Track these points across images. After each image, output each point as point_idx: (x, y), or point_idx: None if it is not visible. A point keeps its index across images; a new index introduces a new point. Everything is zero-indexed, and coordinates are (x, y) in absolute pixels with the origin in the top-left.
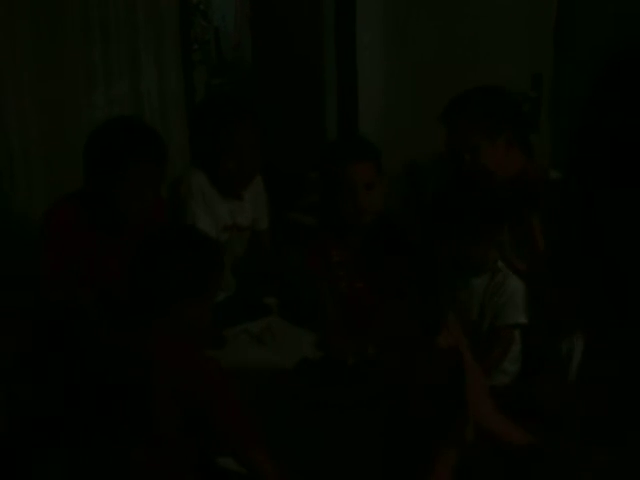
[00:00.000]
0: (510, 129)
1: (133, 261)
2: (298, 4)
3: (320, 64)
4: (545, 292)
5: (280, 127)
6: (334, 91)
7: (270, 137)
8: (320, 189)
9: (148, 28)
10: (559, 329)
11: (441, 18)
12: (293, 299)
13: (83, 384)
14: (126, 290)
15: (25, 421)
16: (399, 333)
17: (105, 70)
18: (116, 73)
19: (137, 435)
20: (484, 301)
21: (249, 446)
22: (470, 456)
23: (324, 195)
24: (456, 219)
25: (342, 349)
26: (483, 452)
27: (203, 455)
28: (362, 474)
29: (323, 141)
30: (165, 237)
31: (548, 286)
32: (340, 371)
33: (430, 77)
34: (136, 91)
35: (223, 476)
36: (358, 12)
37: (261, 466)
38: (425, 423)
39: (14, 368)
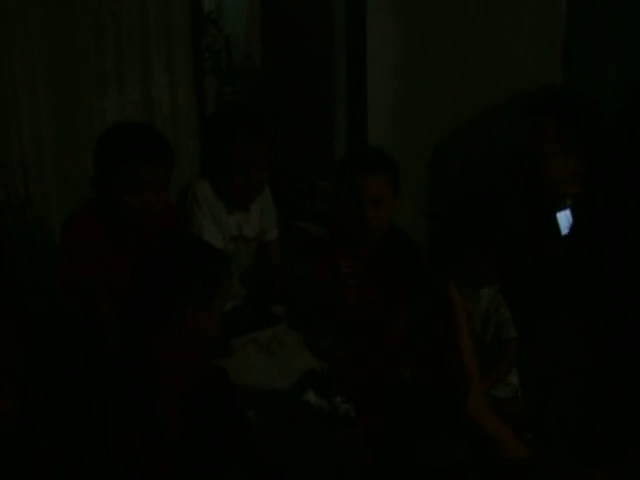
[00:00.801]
0: (584, 150)
1: (140, 268)
2: (309, 13)
3: (331, 73)
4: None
5: (290, 136)
6: (344, 101)
7: (279, 146)
8: (331, 200)
9: (159, 37)
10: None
11: (453, 31)
12: (301, 308)
13: (92, 389)
14: (134, 296)
15: (34, 420)
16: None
17: (117, 78)
18: (128, 81)
19: (144, 439)
20: (488, 314)
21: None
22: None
23: (334, 207)
24: (474, 233)
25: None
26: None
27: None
28: None
29: (333, 150)
30: (171, 245)
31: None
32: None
33: (441, 89)
34: (148, 99)
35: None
36: (369, 22)
37: None
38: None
39: (26, 371)
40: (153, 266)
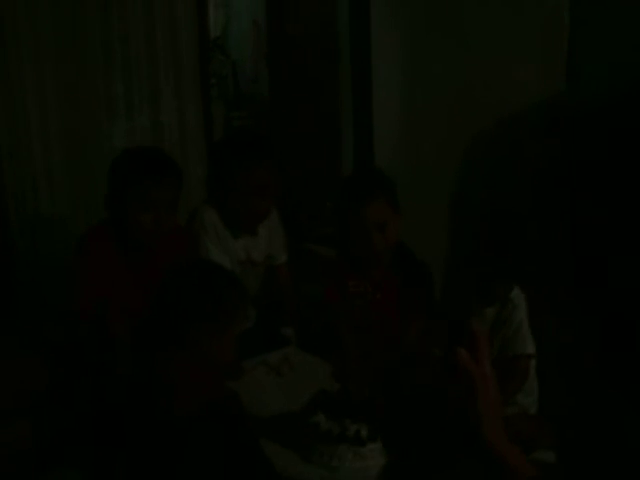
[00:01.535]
0: None
1: (156, 292)
2: (314, 38)
3: (336, 95)
4: None
5: (297, 158)
6: (350, 123)
7: (287, 168)
8: (336, 224)
9: (168, 62)
10: None
11: (457, 50)
12: (310, 330)
13: (107, 412)
14: (148, 319)
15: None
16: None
17: (126, 103)
18: (137, 106)
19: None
20: (493, 331)
21: None
22: None
23: (339, 231)
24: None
25: (359, 380)
26: None
27: None
28: None
29: (339, 172)
30: (187, 270)
31: None
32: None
33: (446, 108)
34: (156, 124)
35: None
36: (374, 45)
37: None
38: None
39: (44, 396)
40: (169, 291)
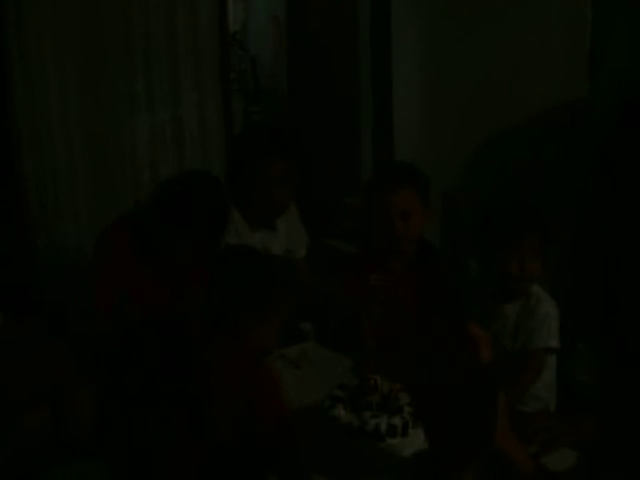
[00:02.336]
0: None
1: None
2: (334, 33)
3: (356, 91)
4: None
5: (316, 154)
6: (370, 118)
7: (306, 164)
8: (360, 216)
9: (188, 58)
10: None
11: (477, 48)
12: (329, 324)
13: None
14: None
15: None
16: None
17: (147, 98)
18: (157, 100)
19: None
20: (517, 326)
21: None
22: None
23: (364, 221)
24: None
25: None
26: None
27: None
28: None
29: (359, 168)
30: (230, 255)
31: None
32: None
33: (466, 106)
34: (176, 118)
35: None
36: (394, 41)
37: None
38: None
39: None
40: (219, 279)
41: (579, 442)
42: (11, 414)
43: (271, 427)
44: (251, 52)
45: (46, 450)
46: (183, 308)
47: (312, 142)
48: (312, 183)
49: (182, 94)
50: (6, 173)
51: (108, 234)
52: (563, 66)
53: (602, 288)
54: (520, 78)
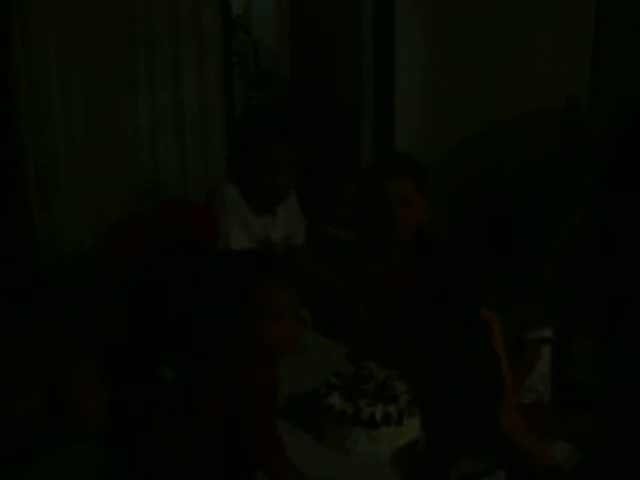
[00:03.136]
0: None
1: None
2: (337, 19)
3: (358, 78)
4: None
5: (316, 140)
6: (371, 106)
7: (307, 150)
8: (359, 203)
9: (190, 40)
10: None
11: (479, 41)
12: (327, 311)
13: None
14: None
15: None
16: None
17: (148, 80)
18: (158, 82)
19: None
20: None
21: (272, 456)
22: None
23: (362, 209)
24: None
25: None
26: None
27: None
28: None
29: (358, 155)
30: (224, 260)
31: None
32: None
33: (467, 98)
34: (177, 100)
35: None
36: (397, 28)
37: (282, 478)
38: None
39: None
40: (214, 290)
41: (573, 435)
42: (3, 399)
43: (253, 427)
44: (253, 36)
45: (40, 435)
46: None
47: (312, 128)
48: (312, 170)
49: (183, 76)
50: (6, 154)
51: (119, 225)
52: (565, 54)
53: (612, 286)
54: (521, 67)
